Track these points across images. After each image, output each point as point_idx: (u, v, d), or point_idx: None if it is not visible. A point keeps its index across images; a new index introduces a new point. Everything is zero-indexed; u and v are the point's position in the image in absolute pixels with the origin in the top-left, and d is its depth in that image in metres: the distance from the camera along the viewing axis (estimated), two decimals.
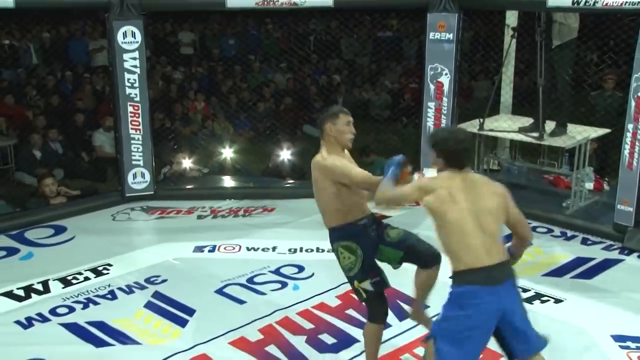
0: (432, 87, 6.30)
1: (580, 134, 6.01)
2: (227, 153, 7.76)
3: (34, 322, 4.27)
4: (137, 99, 6.19)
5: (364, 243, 3.44)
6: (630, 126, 5.27)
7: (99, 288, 4.72)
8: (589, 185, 6.26)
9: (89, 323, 4.24)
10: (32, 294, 4.63)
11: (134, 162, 6.35)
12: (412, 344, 4.00)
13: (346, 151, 3.57)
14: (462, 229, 2.87)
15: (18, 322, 4.26)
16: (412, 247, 3.49)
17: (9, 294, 4.62)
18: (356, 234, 3.44)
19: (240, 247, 5.42)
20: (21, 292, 4.64)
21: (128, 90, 6.16)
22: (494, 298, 2.83)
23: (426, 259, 3.48)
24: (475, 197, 2.94)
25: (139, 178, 6.41)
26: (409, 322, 4.21)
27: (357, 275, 3.44)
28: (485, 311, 2.84)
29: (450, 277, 2.97)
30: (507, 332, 2.91)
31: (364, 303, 3.52)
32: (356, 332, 4.06)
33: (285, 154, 7.56)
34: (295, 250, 5.32)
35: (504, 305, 2.86)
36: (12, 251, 5.40)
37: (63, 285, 4.76)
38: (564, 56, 5.84)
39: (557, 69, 5.87)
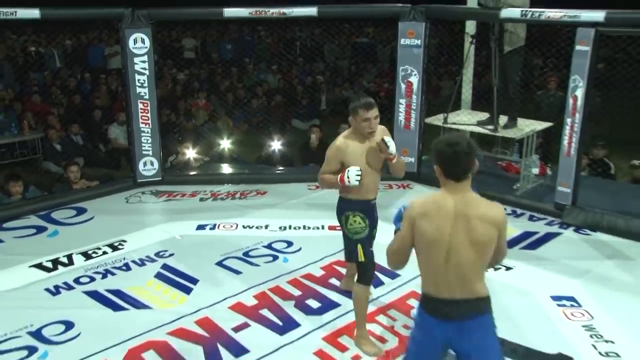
0: (403, 86, 6.32)
1: (528, 127, 6.07)
2: (225, 144, 7.77)
3: (60, 289, 4.31)
4: (147, 97, 6.19)
5: (371, 218, 3.55)
6: (568, 120, 5.34)
7: (115, 261, 4.74)
8: (535, 171, 6.30)
9: (108, 290, 4.27)
10: (59, 266, 4.66)
11: (144, 152, 6.35)
12: (404, 297, 4.09)
13: (380, 129, 3.49)
14: (430, 256, 2.43)
15: (47, 290, 4.30)
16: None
17: (39, 266, 4.65)
18: (367, 209, 3.53)
19: (237, 225, 5.45)
20: (49, 264, 4.67)
21: (138, 90, 6.15)
22: (440, 331, 2.44)
23: None
24: (457, 226, 2.37)
25: (148, 166, 6.42)
26: (399, 280, 4.29)
27: (362, 240, 3.48)
28: (430, 337, 2.48)
29: None
30: None
31: (360, 264, 3.49)
32: (337, 297, 4.13)
33: (275, 145, 7.57)
34: (285, 228, 5.34)
35: (452, 342, 2.46)
36: (40, 229, 5.41)
37: (85, 259, 4.78)
38: (514, 61, 5.88)
39: (508, 71, 5.91)
